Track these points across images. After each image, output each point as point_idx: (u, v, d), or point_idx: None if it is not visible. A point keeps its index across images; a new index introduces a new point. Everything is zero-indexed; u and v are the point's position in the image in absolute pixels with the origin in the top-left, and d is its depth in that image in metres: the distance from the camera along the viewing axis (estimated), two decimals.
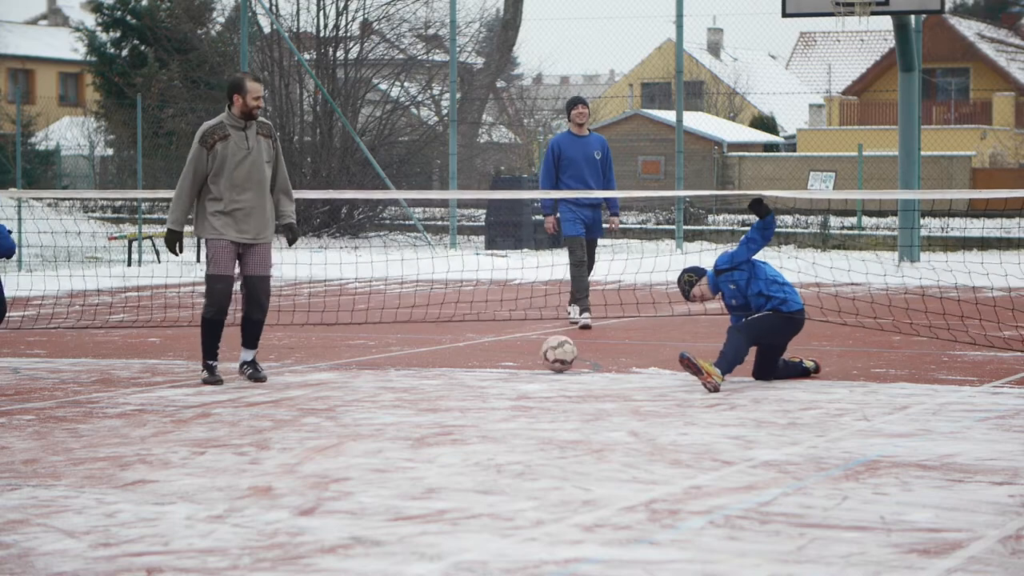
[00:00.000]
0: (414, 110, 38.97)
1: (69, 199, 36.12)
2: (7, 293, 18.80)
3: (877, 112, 53.51)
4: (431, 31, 38.35)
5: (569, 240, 14.87)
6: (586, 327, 14.60)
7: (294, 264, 22.31)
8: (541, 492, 7.16)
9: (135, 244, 24.55)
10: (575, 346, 11.57)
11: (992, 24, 60.15)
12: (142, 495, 7.15)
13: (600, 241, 15.76)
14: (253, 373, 11.15)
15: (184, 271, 22.29)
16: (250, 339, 11.23)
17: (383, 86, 37.26)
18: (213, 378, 11.00)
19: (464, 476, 7.55)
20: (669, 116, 39.74)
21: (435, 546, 6.15)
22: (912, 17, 23.10)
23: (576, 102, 15.01)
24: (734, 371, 10.66)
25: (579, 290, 14.77)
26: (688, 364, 10.31)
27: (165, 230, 11.59)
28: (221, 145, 10.91)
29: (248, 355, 11.24)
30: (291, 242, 11.43)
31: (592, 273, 15.48)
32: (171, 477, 7.56)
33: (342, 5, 34.79)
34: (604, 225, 15.10)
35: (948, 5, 50.29)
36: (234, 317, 11.76)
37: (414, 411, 9.65)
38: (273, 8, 33.43)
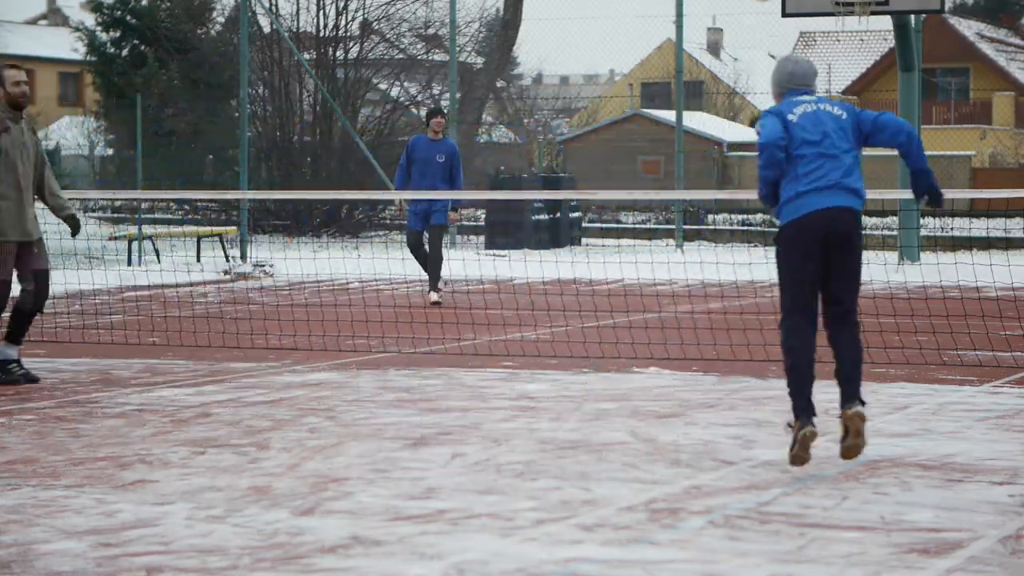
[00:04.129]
0: (414, 110, 38.96)
1: (69, 199, 36.15)
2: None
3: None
4: (431, 31, 38.35)
5: (407, 232, 17.88)
6: (436, 303, 17.03)
7: (298, 259, 22.32)
8: (541, 492, 7.16)
9: (135, 244, 24.55)
10: None
11: (992, 24, 60.11)
12: (142, 495, 7.15)
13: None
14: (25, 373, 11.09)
15: (183, 270, 22.29)
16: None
17: (383, 86, 37.25)
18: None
19: (464, 476, 7.55)
20: (669, 116, 39.72)
21: (435, 546, 6.15)
22: (912, 17, 23.11)
23: (436, 112, 17.90)
24: (736, 370, 10.60)
25: (433, 272, 17.33)
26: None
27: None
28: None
29: (15, 351, 11.13)
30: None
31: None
32: (171, 477, 7.56)
33: (342, 5, 34.80)
34: (449, 213, 17.75)
35: (948, 5, 50.28)
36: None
37: (414, 411, 9.65)
38: (273, 8, 33.43)
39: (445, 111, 19.76)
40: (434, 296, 17.30)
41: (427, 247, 17.63)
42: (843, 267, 7.63)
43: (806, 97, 7.84)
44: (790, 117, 7.71)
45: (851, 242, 7.63)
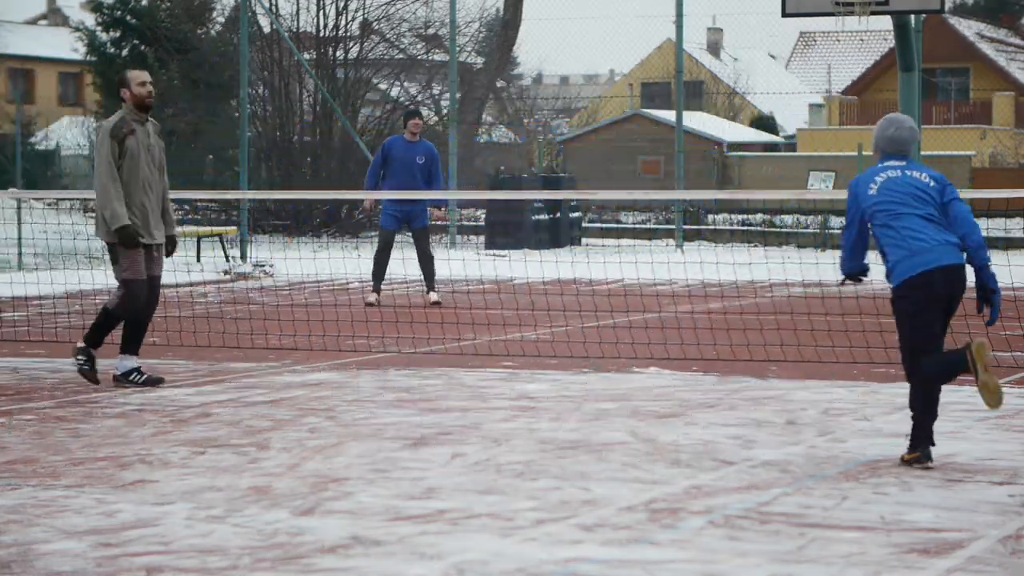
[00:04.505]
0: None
1: (69, 199, 36.12)
2: (6, 293, 18.81)
3: (877, 112, 53.41)
4: (431, 31, 38.33)
5: (380, 230, 17.79)
6: (436, 303, 17.00)
7: (298, 259, 22.32)
8: (541, 492, 7.16)
9: None
10: None
11: (992, 24, 60.10)
12: (142, 495, 7.15)
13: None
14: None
15: (183, 270, 22.29)
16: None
17: (383, 86, 37.23)
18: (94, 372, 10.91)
19: (464, 476, 7.55)
20: (669, 116, 39.71)
21: (435, 546, 6.15)
22: (912, 17, 23.09)
23: (413, 114, 17.77)
24: (736, 370, 10.64)
25: (379, 274, 17.35)
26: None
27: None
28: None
29: (133, 360, 10.98)
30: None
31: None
32: (171, 477, 7.56)
33: (342, 5, 34.78)
34: (429, 211, 17.77)
35: (948, 5, 50.30)
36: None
37: (414, 411, 9.65)
38: (273, 8, 33.42)
39: (423, 113, 19.76)
40: (434, 296, 17.33)
41: (418, 251, 17.60)
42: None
43: (894, 162, 8.14)
44: (870, 190, 8.09)
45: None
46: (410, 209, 17.39)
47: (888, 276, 7.99)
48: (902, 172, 8.04)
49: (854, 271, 8.32)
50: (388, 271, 17.87)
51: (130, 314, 10.83)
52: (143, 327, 10.94)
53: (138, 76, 10.82)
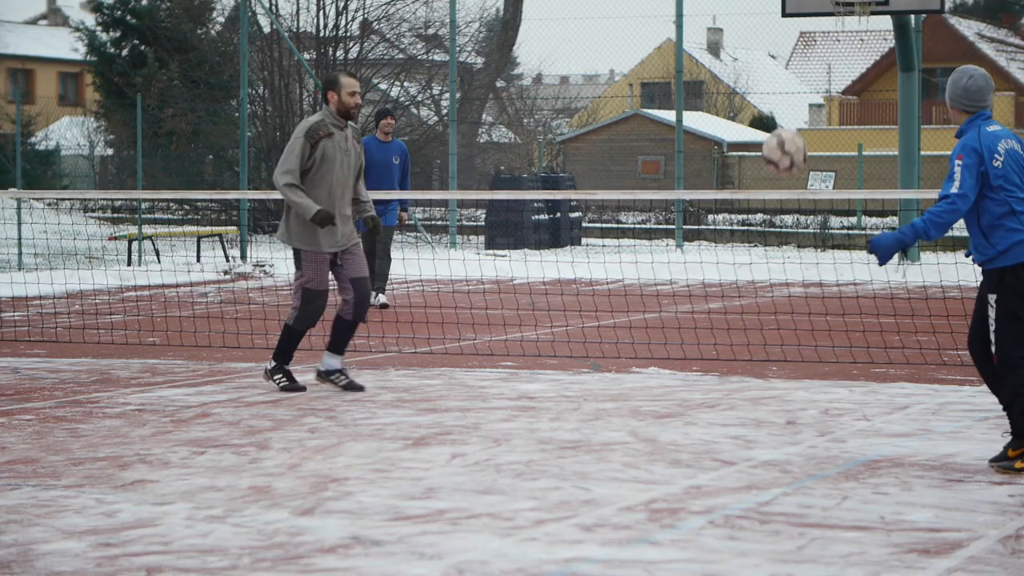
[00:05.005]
0: (414, 110, 38.96)
1: (69, 199, 36.12)
2: (6, 293, 18.81)
3: (877, 112, 53.51)
4: (431, 31, 38.34)
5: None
6: (384, 306, 16.78)
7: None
8: (541, 492, 7.16)
9: (135, 244, 24.56)
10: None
11: (992, 24, 60.14)
12: (142, 495, 7.15)
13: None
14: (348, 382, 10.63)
15: (184, 270, 22.30)
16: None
17: (383, 86, 37.24)
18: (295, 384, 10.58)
19: (464, 476, 7.55)
20: (669, 116, 39.73)
21: (435, 546, 6.15)
22: (912, 17, 23.10)
23: (385, 113, 17.44)
24: (736, 370, 10.63)
25: (383, 274, 17.03)
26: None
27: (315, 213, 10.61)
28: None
29: (337, 361, 10.68)
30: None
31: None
32: (171, 477, 7.56)
33: (342, 5, 34.79)
34: (400, 214, 17.57)
35: (948, 5, 50.29)
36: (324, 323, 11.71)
37: (414, 411, 9.65)
38: (273, 8, 33.43)
39: (395, 112, 19.43)
40: (382, 298, 16.96)
41: (378, 249, 17.27)
42: None
43: (996, 127, 7.72)
44: (995, 163, 7.63)
45: None
46: (382, 209, 17.27)
47: (985, 256, 7.59)
48: (1022, 146, 7.67)
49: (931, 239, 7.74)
50: (388, 270, 17.88)
51: (309, 324, 10.51)
52: (353, 328, 10.62)
53: (350, 85, 10.45)
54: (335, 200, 10.60)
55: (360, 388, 10.53)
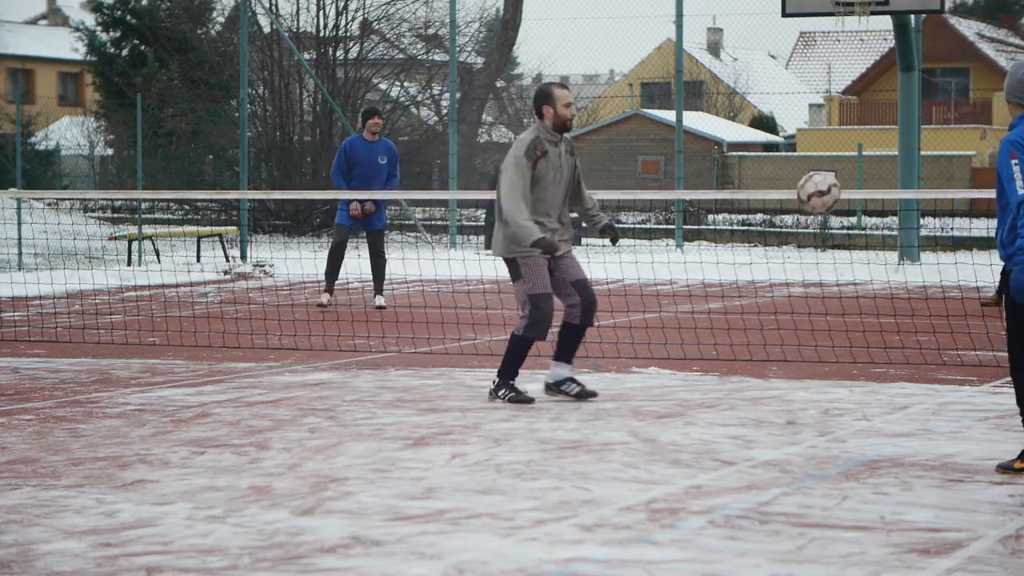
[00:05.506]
0: (414, 110, 38.95)
1: (69, 199, 36.12)
2: (6, 293, 18.81)
3: (877, 112, 53.51)
4: (431, 31, 38.34)
5: (338, 227, 17.40)
6: (382, 307, 16.65)
7: (298, 259, 22.31)
8: (541, 492, 7.16)
9: (135, 244, 24.55)
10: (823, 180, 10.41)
11: (992, 24, 60.16)
12: (142, 495, 7.15)
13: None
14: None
15: (184, 270, 22.31)
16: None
17: (383, 86, 37.24)
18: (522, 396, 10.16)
19: (464, 476, 7.55)
20: (669, 116, 39.76)
21: (435, 546, 6.15)
22: (912, 17, 23.10)
23: (372, 113, 17.37)
24: (736, 370, 10.64)
25: (333, 273, 17.03)
26: None
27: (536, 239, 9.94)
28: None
29: (567, 369, 10.29)
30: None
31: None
32: (171, 477, 7.56)
33: (342, 5, 34.79)
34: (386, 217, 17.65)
35: (948, 5, 50.29)
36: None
37: (414, 411, 9.65)
38: (273, 8, 33.43)
39: (382, 111, 19.31)
40: (380, 300, 16.95)
41: (372, 252, 17.24)
42: None
43: None
44: None
45: None
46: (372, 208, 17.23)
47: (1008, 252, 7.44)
48: None
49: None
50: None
51: (540, 332, 10.05)
52: (582, 332, 10.23)
53: (565, 96, 10.07)
54: (549, 216, 10.09)
55: (593, 394, 10.15)
